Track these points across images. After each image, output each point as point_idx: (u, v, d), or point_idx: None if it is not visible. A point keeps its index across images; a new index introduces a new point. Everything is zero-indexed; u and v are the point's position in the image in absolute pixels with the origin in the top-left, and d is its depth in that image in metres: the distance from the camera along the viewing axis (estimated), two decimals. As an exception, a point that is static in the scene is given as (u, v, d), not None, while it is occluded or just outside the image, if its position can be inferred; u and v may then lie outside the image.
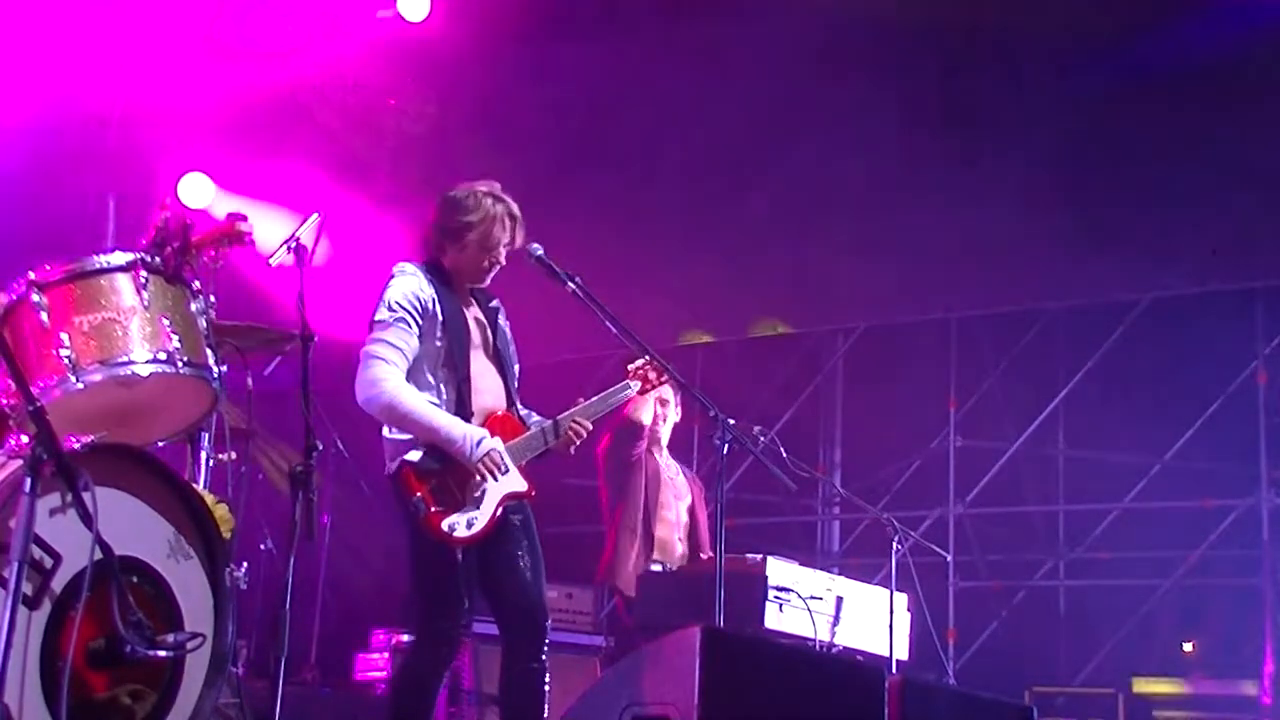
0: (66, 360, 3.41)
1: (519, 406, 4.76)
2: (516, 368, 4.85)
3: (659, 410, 6.51)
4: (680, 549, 6.46)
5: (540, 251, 4.71)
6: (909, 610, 6.25)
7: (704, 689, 3.94)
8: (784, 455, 5.67)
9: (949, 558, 8.05)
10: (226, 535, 3.86)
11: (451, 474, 4.44)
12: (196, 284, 3.73)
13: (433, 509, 4.39)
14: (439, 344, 4.52)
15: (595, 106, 9.31)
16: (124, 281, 3.53)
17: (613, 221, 9.18)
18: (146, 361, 3.49)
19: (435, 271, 4.63)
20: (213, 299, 3.90)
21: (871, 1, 8.38)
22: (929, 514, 9.20)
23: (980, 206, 8.46)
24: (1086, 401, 9.08)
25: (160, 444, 3.95)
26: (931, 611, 6.38)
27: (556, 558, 8.66)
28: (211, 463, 5.04)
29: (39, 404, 3.01)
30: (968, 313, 9.37)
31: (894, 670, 5.74)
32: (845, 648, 5.92)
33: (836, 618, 5.90)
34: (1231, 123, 7.94)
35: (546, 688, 4.56)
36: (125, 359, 3.47)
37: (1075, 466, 9.42)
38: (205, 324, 3.69)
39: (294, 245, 4.37)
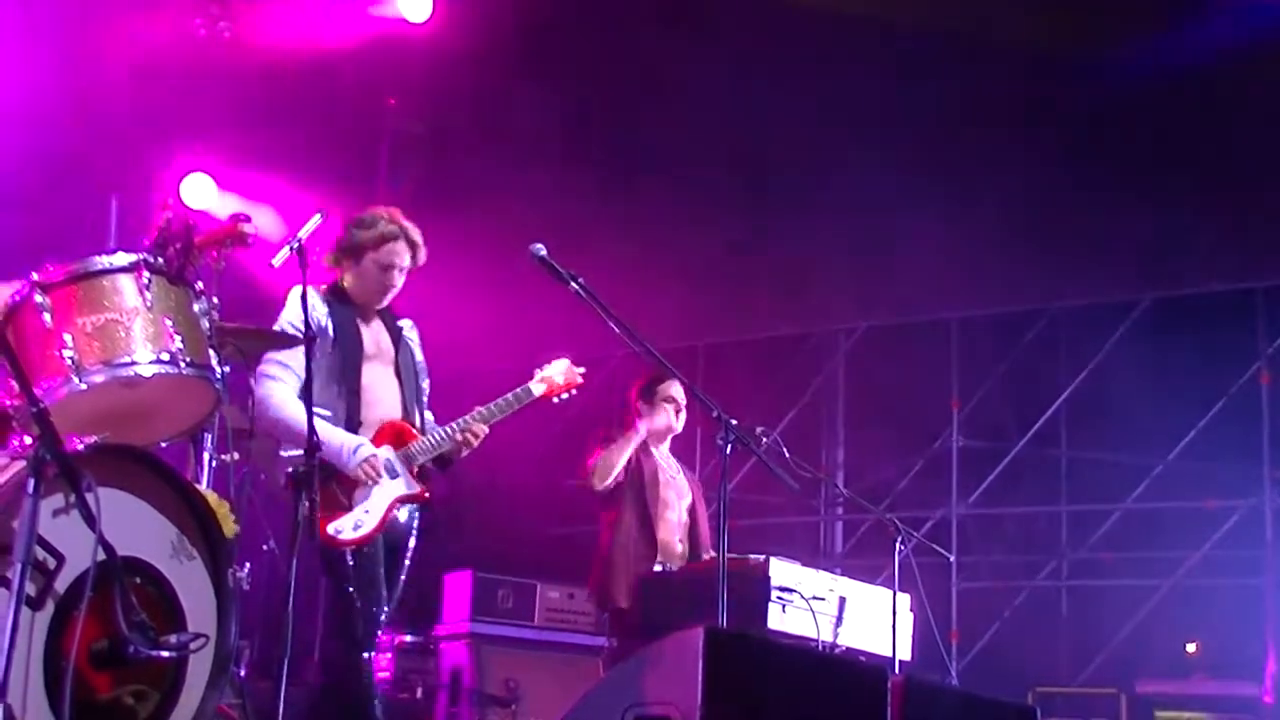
0: (69, 361, 3.41)
1: (422, 415, 5.01)
2: (426, 382, 5.11)
3: (671, 408, 6.48)
4: (680, 549, 6.44)
5: (543, 251, 4.72)
6: (911, 611, 6.24)
7: (707, 690, 3.93)
8: (786, 456, 5.66)
9: (952, 558, 8.05)
10: (229, 536, 3.86)
11: (337, 481, 4.65)
12: (199, 284, 3.72)
13: (319, 515, 4.50)
14: (331, 359, 4.74)
15: (594, 105, 9.31)
16: (127, 282, 3.53)
17: (612, 220, 9.19)
18: (149, 362, 3.49)
19: (335, 291, 4.89)
20: (215, 300, 3.90)
21: (870, 2, 8.40)
22: (931, 514, 9.20)
23: (981, 207, 8.47)
24: (1089, 402, 9.08)
25: (163, 444, 3.94)
26: (934, 612, 6.38)
27: (557, 558, 8.70)
28: (214, 463, 5.03)
29: (42, 405, 3.01)
30: (969, 313, 9.37)
31: (897, 671, 5.73)
32: (848, 648, 5.91)
33: (839, 618, 5.89)
34: (1232, 123, 7.95)
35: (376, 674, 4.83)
36: (128, 360, 3.47)
37: (1077, 467, 9.42)
38: (208, 325, 3.69)
39: (296, 246, 4.38)
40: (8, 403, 3.39)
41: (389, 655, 7.82)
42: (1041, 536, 9.52)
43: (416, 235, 4.99)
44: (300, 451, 4.52)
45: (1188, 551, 8.63)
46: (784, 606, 5.62)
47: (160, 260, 3.59)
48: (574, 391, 5.34)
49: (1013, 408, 9.43)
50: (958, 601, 8.88)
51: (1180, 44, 7.88)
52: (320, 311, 4.79)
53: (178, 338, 3.53)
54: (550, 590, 7.58)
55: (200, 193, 8.99)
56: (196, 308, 3.66)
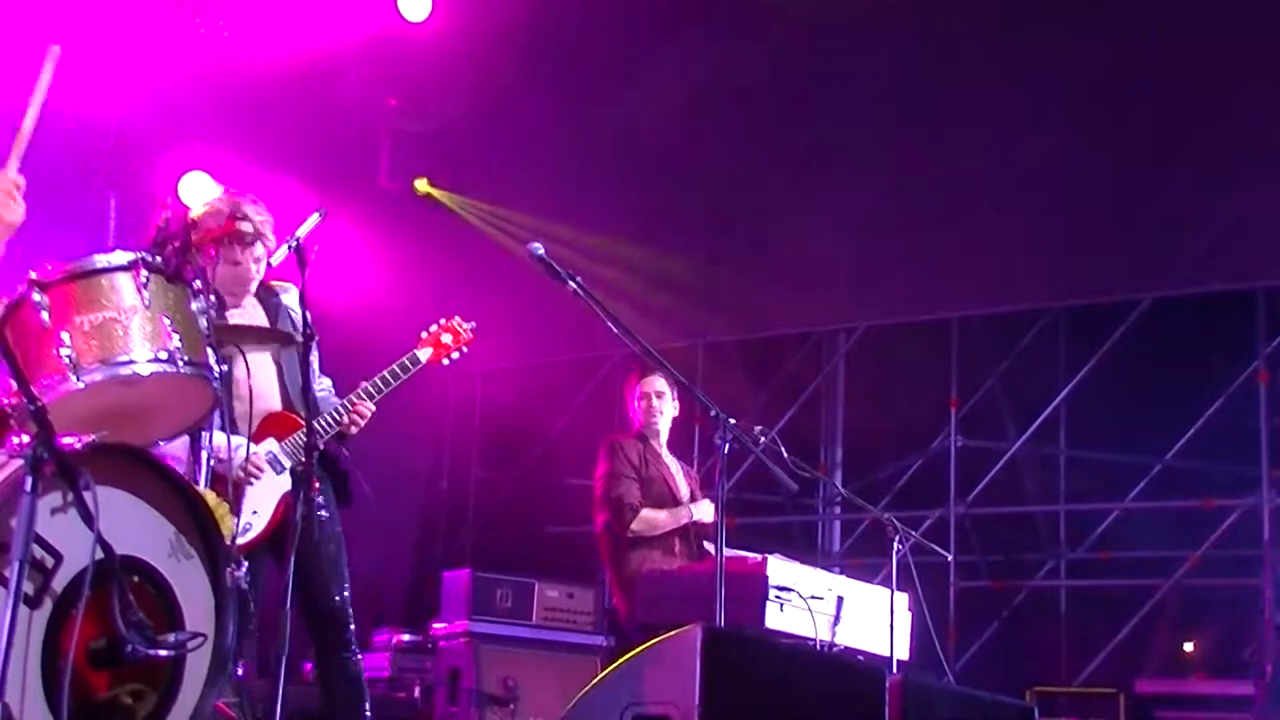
0: (67, 359, 3.41)
1: (309, 394, 4.68)
2: (315, 354, 4.82)
3: (654, 405, 6.48)
4: (678, 545, 6.46)
5: (540, 250, 4.71)
6: (909, 610, 6.24)
7: (705, 688, 3.93)
8: (785, 455, 5.66)
9: (950, 557, 8.03)
10: (227, 535, 3.86)
11: (220, 483, 4.45)
12: (197, 283, 3.72)
13: None
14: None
15: (594, 105, 9.31)
16: (125, 281, 3.52)
17: (613, 220, 9.19)
18: (147, 361, 3.49)
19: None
20: (214, 298, 3.90)
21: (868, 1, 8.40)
22: (930, 514, 9.19)
23: (981, 206, 8.47)
24: (1087, 401, 9.08)
25: (161, 444, 3.94)
26: (932, 611, 6.37)
27: (556, 558, 8.70)
28: (212, 462, 5.03)
29: (40, 403, 3.01)
30: (968, 313, 9.37)
31: (894, 670, 5.73)
32: (846, 647, 5.91)
33: (837, 617, 5.89)
34: (1232, 122, 7.95)
35: (363, 681, 4.76)
36: (126, 358, 3.46)
37: (1076, 466, 9.42)
38: (206, 323, 3.69)
39: (294, 245, 4.38)
40: (6, 401, 3.39)
41: (386, 654, 7.83)
42: (1040, 536, 9.52)
43: (261, 222, 4.70)
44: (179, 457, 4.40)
45: (1186, 551, 8.63)
46: (782, 605, 5.62)
47: (158, 259, 3.59)
48: (465, 349, 5.15)
49: (1011, 407, 9.42)
50: (956, 601, 8.88)
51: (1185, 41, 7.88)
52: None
53: (176, 336, 3.53)
54: (549, 589, 7.58)
55: (199, 191, 8.98)
56: (194, 306, 3.66)
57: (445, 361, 5.13)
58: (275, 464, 4.66)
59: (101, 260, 3.53)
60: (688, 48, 8.82)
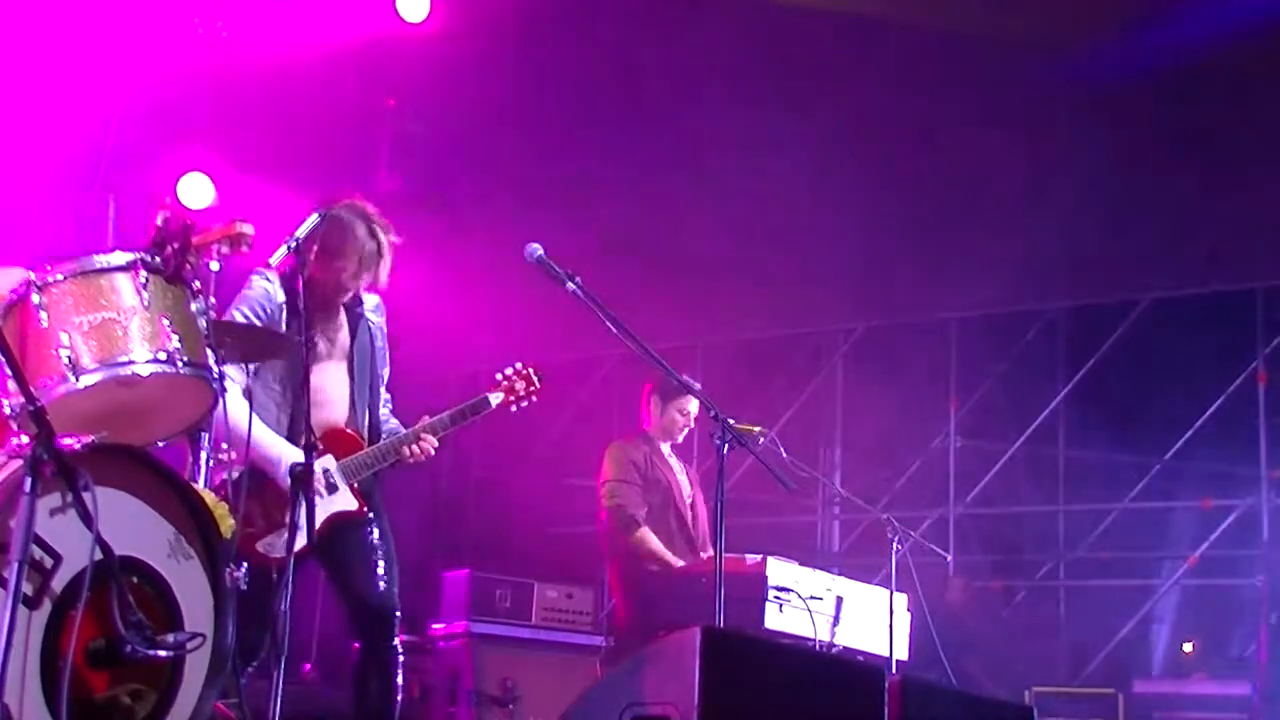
0: (66, 360, 3.41)
1: (374, 411, 4.79)
2: (386, 369, 4.90)
3: (689, 423, 6.49)
4: (680, 546, 6.46)
5: (540, 252, 4.71)
6: (909, 610, 6.24)
7: (704, 689, 3.93)
8: (784, 455, 5.67)
9: (949, 558, 8.05)
10: (226, 535, 3.86)
11: (272, 492, 4.45)
12: (196, 284, 3.72)
13: (250, 529, 4.37)
14: (280, 356, 4.48)
15: (594, 105, 9.31)
16: (124, 281, 3.52)
17: (611, 220, 9.18)
18: (147, 361, 3.48)
19: (294, 278, 4.51)
20: (213, 300, 3.91)
21: (869, 4, 8.40)
22: (929, 514, 9.21)
23: (981, 207, 8.47)
24: (1086, 402, 9.09)
25: (160, 444, 3.94)
26: (931, 611, 6.38)
27: (556, 558, 8.70)
28: (211, 462, 5.03)
29: (39, 404, 3.01)
30: (968, 313, 9.37)
31: (894, 670, 5.74)
32: (845, 648, 5.92)
33: (836, 618, 5.90)
34: (1232, 122, 7.95)
35: (400, 676, 4.70)
36: (125, 359, 3.46)
37: (1075, 467, 9.43)
38: (205, 324, 3.69)
39: (294, 245, 4.37)
40: (5, 401, 3.38)
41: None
42: (1039, 536, 9.52)
43: (388, 248, 4.68)
44: (236, 458, 4.33)
45: (1185, 551, 8.64)
46: (781, 606, 5.62)
47: (157, 259, 3.59)
48: (534, 399, 5.11)
49: (1011, 407, 9.43)
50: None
51: (1180, 39, 7.88)
52: (277, 303, 4.60)
53: (175, 337, 3.53)
54: (548, 589, 7.57)
55: (198, 192, 8.98)
56: (194, 307, 3.66)
57: (514, 409, 5.07)
58: (330, 483, 4.56)
59: (101, 260, 3.52)
60: (685, 47, 8.82)
